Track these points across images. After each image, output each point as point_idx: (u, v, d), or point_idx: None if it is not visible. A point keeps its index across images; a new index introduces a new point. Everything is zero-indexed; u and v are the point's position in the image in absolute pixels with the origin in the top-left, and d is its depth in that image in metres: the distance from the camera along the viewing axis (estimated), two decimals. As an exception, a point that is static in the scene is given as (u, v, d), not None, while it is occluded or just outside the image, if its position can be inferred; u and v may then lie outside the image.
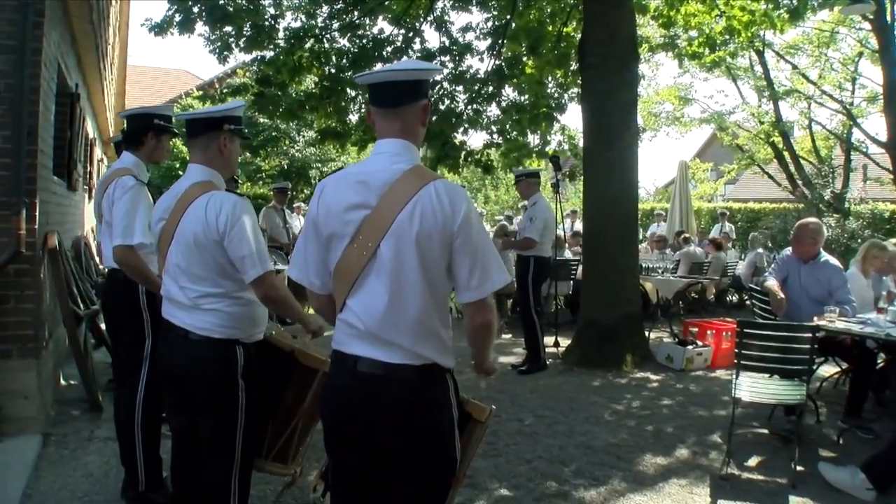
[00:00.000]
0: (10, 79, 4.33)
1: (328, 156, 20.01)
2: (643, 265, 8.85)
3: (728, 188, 30.46)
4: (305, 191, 18.81)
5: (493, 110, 9.35)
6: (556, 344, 7.55)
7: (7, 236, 4.30)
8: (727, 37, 8.93)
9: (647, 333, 7.59)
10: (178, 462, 2.86)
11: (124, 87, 15.50)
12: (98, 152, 11.39)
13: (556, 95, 9.40)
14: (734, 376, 4.40)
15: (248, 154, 19.99)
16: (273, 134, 19.29)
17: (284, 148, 19.75)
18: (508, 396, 5.84)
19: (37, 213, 4.50)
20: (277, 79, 8.13)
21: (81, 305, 5.16)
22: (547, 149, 9.92)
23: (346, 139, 9.15)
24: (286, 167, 19.65)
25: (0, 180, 4.33)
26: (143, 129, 3.58)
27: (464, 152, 9.30)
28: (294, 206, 13.62)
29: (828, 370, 6.09)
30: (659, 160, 78.27)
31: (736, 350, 4.37)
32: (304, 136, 19.52)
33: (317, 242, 2.05)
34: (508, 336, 8.61)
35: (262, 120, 18.70)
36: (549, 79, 9.08)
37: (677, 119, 22.23)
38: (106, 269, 3.76)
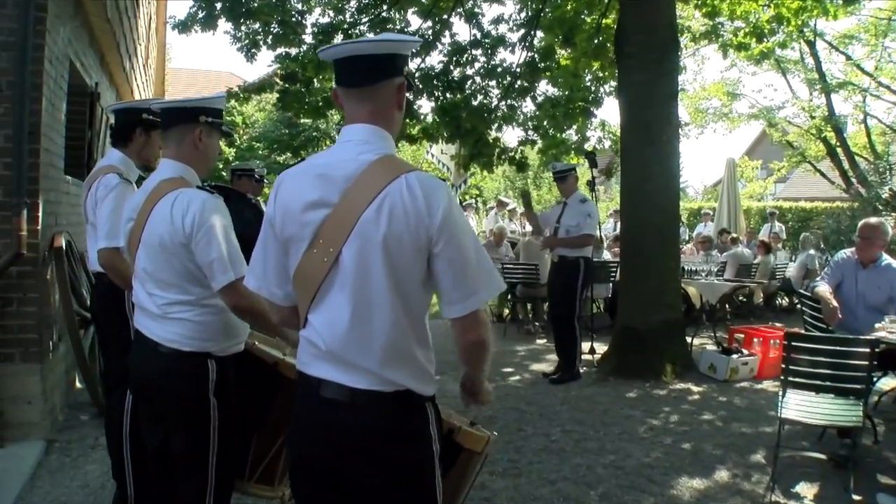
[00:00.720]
0: (11, 76, 4.20)
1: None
2: (687, 268, 8.38)
3: (778, 187, 29.36)
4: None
5: (528, 105, 8.98)
6: (592, 351, 7.16)
7: (8, 237, 4.17)
8: (776, 26, 8.37)
9: (689, 341, 7.14)
10: (155, 483, 2.62)
11: (163, 88, 15.60)
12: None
13: (593, 89, 8.97)
14: (780, 394, 3.97)
15: (289, 154, 19.97)
16: (314, 134, 19.23)
17: (325, 148, 19.72)
18: (537, 408, 5.50)
19: (39, 214, 4.37)
20: (303, 76, 7.93)
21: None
22: (586, 145, 9.52)
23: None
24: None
25: (1, 180, 4.20)
26: (132, 125, 3.36)
27: (497, 149, 8.95)
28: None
29: (888, 383, 5.55)
30: (707, 158, 76.40)
31: (783, 365, 3.94)
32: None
33: (276, 247, 1.76)
34: (543, 341, 8.26)
35: (302, 120, 18.70)
36: (586, 71, 8.64)
37: (725, 115, 21.43)
38: (93, 274, 3.55)
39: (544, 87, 9.03)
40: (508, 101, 8.72)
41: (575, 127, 9.14)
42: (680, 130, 7.30)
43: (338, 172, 1.67)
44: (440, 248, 1.62)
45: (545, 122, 8.87)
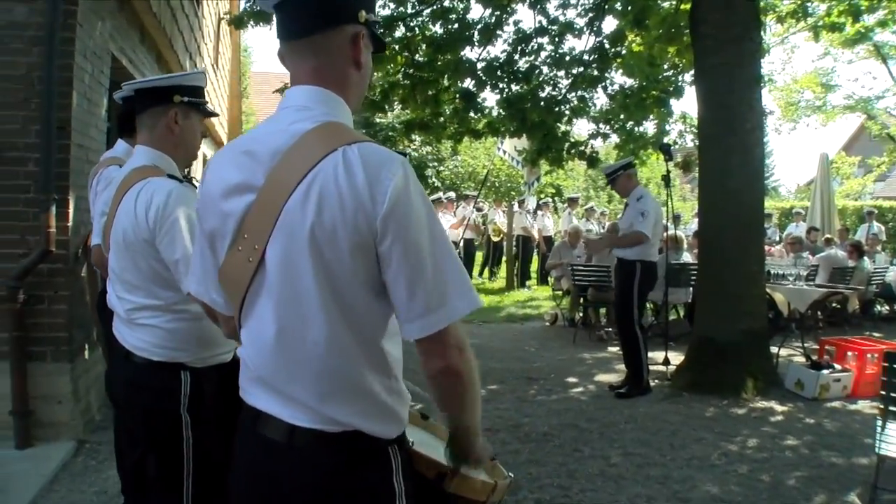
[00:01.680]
0: (41, 71, 4.08)
1: (444, 154, 19.69)
2: (773, 271, 7.63)
3: (878, 185, 27.28)
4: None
5: (599, 97, 8.43)
6: (666, 362, 6.56)
7: (38, 235, 4.06)
8: (874, 2, 7.49)
9: (773, 353, 6.44)
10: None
11: (238, 88, 15.80)
12: (208, 152, 11.43)
13: (671, 78, 8.29)
14: (880, 425, 3.35)
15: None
16: (390, 134, 19.19)
17: (401, 148, 19.65)
18: (598, 426, 5.00)
19: (70, 211, 4.23)
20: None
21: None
22: (665, 139, 8.86)
23: (435, 131, 8.55)
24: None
25: (30, 176, 4.09)
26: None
27: (567, 143, 8.43)
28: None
29: None
30: (801, 155, 72.44)
31: (882, 392, 3.31)
32: (420, 135, 19.39)
33: (204, 244, 1.41)
34: (616, 349, 7.70)
35: (378, 120, 18.66)
36: (662, 58, 7.97)
37: (819, 108, 20.02)
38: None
39: (617, 77, 8.43)
40: (579, 92, 8.18)
41: (653, 120, 8.50)
42: (766, 119, 6.56)
43: (264, 148, 1.30)
44: (387, 245, 1.22)
45: (620, 115, 8.27)
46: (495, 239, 13.66)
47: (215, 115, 2.58)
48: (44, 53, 4.07)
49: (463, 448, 1.47)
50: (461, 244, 11.52)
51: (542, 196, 15.71)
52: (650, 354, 6.40)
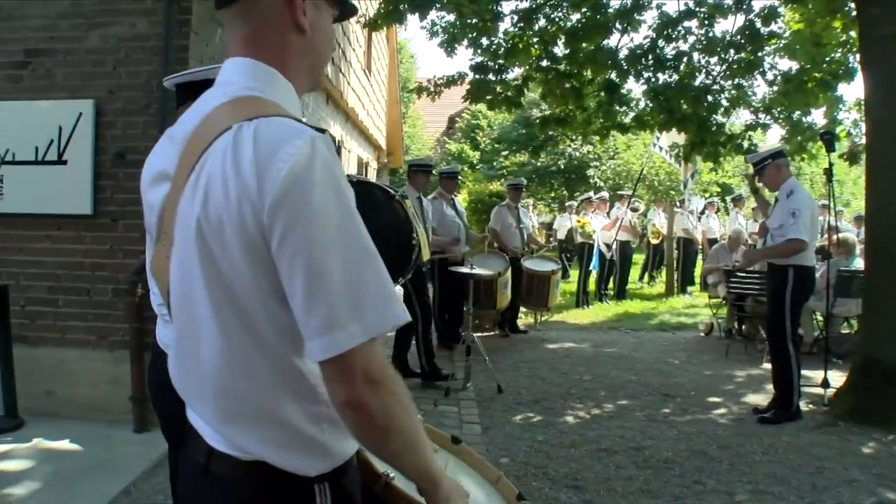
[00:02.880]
0: (159, 79, 4.36)
1: (608, 153, 19.02)
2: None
3: None
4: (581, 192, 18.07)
5: (760, 84, 7.55)
6: (825, 384, 5.68)
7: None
8: None
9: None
10: None
11: (397, 94, 16.30)
12: (348, 154, 11.81)
13: (839, 59, 7.18)
14: None
15: (528, 154, 19.84)
16: (551, 133, 18.95)
17: (561, 148, 19.27)
18: (730, 455, 4.43)
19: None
20: (495, 65, 7.48)
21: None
22: (837, 129, 7.76)
23: (579, 127, 8.14)
24: (562, 167, 19.12)
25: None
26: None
27: (723, 136, 7.66)
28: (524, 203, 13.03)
29: None
30: None
31: None
32: (563, 130, 18.94)
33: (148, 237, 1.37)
34: (768, 367, 6.85)
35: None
36: (828, 37, 6.91)
37: None
38: None
39: (774, 60, 7.47)
40: (736, 80, 7.38)
41: (821, 107, 7.45)
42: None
43: (181, 131, 1.17)
44: (277, 244, 1.01)
45: (783, 103, 7.33)
46: (654, 241, 12.85)
47: None
48: (161, 62, 4.34)
49: (429, 494, 1.20)
50: (614, 246, 10.92)
51: (708, 195, 14.54)
52: (808, 373, 5.63)
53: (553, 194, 20.31)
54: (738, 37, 6.89)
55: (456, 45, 7.76)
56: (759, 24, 6.71)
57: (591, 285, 11.28)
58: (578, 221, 11.22)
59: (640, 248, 13.56)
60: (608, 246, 10.84)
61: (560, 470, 4.19)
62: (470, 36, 7.67)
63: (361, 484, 1.32)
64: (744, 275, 7.33)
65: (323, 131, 1.07)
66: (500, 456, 4.44)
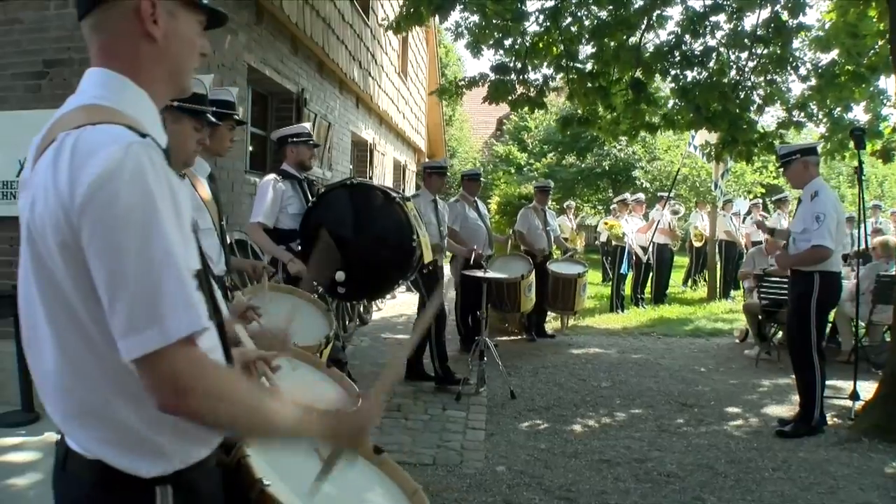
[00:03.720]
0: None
1: (648, 154, 18.62)
2: None
3: None
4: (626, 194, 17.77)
5: (793, 80, 7.19)
6: (854, 396, 5.39)
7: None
8: None
9: None
10: None
11: (436, 97, 16.30)
12: (382, 157, 11.89)
13: (878, 51, 6.75)
14: None
15: (574, 156, 19.56)
16: (595, 134, 18.71)
17: (606, 149, 18.95)
18: (738, 470, 4.24)
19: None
20: (516, 66, 7.38)
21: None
22: (882, 126, 7.37)
23: (597, 126, 7.95)
24: (607, 168, 18.80)
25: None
26: None
27: (756, 134, 7.36)
28: (566, 205, 12.78)
29: None
30: None
31: None
32: (589, 130, 18.64)
33: None
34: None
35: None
36: (866, 27, 6.48)
37: None
38: None
39: (811, 55, 7.11)
40: (768, 76, 7.07)
41: (859, 103, 7.05)
42: None
43: (37, 138, 1.21)
44: (86, 244, 1.06)
45: (817, 99, 6.98)
46: (697, 244, 12.48)
47: (203, 115, 2.55)
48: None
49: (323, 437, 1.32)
50: (651, 249, 10.65)
51: (753, 196, 14.01)
52: (840, 384, 5.35)
53: (599, 196, 19.98)
54: (765, 30, 6.58)
55: (482, 46, 7.71)
56: (785, 16, 6.39)
57: (628, 289, 11.03)
58: (606, 224, 10.98)
59: (683, 251, 13.18)
60: (644, 249, 10.57)
61: (556, 481, 4.09)
62: (496, 36, 7.59)
63: (243, 489, 1.37)
64: (776, 280, 7.02)
65: (144, 136, 1.11)
66: (498, 464, 4.37)
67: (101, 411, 1.15)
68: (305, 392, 2.42)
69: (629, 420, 5.29)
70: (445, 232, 6.47)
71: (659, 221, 10.59)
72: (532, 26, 7.61)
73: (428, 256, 4.76)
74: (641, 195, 11.85)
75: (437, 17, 7.01)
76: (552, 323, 9.14)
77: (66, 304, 1.11)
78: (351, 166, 10.31)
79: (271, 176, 4.69)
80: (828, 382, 6.10)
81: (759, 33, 6.63)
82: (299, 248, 4.57)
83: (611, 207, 12.80)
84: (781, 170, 5.22)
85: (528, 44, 7.24)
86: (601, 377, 6.61)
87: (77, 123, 1.11)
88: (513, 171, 22.60)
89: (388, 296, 9.01)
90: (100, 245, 1.04)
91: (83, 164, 1.06)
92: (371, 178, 10.74)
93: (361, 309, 9.26)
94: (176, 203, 1.12)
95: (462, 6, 7.16)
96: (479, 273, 6.00)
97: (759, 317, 7.01)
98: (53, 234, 1.08)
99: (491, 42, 7.58)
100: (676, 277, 13.67)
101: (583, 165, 18.63)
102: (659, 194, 12.35)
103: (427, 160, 16.91)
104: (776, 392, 6.06)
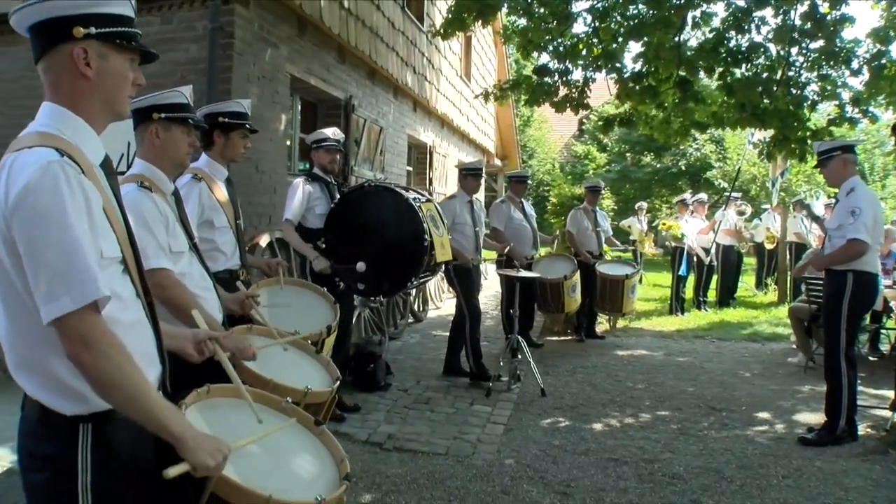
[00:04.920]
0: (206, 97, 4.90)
1: (724, 153, 18.02)
2: None
3: None
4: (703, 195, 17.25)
5: (848, 75, 6.87)
6: (894, 406, 5.19)
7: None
8: None
9: None
10: None
11: (508, 100, 16.40)
12: (444, 158, 12.06)
13: None
14: None
15: (651, 154, 19.13)
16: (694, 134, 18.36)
17: (682, 148, 18.48)
18: (745, 476, 4.19)
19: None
20: (558, 67, 7.44)
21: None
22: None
23: (647, 126, 7.86)
24: (683, 168, 18.34)
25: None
26: (210, 129, 3.60)
27: (809, 132, 7.11)
28: (637, 206, 12.54)
29: None
30: None
31: None
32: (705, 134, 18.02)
33: None
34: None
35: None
36: None
37: None
38: None
39: (865, 46, 6.75)
40: (820, 71, 6.82)
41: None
42: None
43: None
44: (17, 237, 1.43)
45: (870, 93, 6.65)
46: (769, 246, 12.03)
47: (197, 124, 2.84)
48: (207, 82, 4.88)
49: (174, 445, 1.52)
50: (714, 250, 10.39)
51: (830, 196, 13.28)
52: (886, 393, 5.15)
53: (677, 196, 19.50)
54: (805, 23, 6.34)
55: (531, 49, 7.81)
56: (824, 8, 6.12)
57: (689, 292, 10.81)
58: (664, 224, 10.78)
59: (749, 252, 12.70)
60: (706, 250, 10.33)
61: (559, 476, 4.19)
62: (547, 38, 7.67)
63: None
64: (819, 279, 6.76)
65: (63, 155, 1.46)
66: (508, 457, 4.50)
67: (37, 363, 1.51)
68: (288, 370, 2.68)
69: (651, 421, 5.30)
70: (482, 232, 6.61)
71: (721, 222, 10.31)
72: (578, 27, 7.66)
73: (442, 256, 4.95)
74: (704, 195, 11.54)
75: (479, 23, 7.14)
76: (604, 324, 9.12)
77: (10, 282, 1.47)
78: (410, 168, 10.62)
79: (301, 178, 5.02)
80: (873, 391, 5.92)
81: (798, 26, 6.40)
82: (323, 245, 4.88)
83: (635, 207, 12.52)
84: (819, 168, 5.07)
85: (567, 45, 7.27)
86: (637, 379, 6.60)
87: (25, 145, 1.49)
88: (591, 171, 22.38)
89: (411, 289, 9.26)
90: (25, 237, 1.41)
91: (14, 180, 1.43)
92: (430, 179, 11.01)
93: (417, 307, 9.55)
94: (88, 203, 1.47)
95: (507, 10, 7.28)
96: (512, 272, 6.13)
97: (806, 322, 6.77)
98: (1, 231, 1.44)
99: (542, 43, 7.67)
100: (749, 280, 13.22)
101: (658, 166, 18.22)
102: (726, 195, 11.98)
103: (497, 162, 17.04)
104: (813, 399, 5.86)
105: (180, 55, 5.12)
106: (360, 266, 4.63)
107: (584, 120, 27.15)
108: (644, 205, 13.63)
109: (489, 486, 4.04)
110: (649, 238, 12.73)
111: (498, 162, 16.93)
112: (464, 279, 6.32)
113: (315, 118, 7.21)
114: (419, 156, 10.93)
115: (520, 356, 6.11)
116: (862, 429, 4.98)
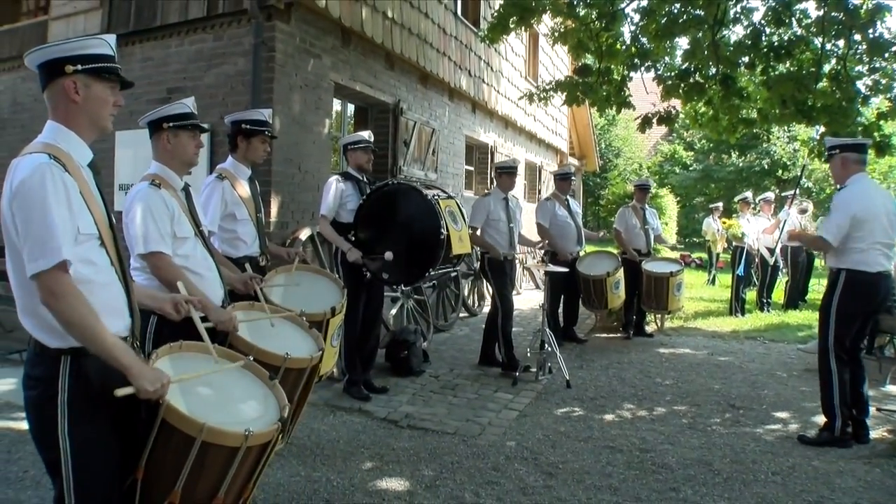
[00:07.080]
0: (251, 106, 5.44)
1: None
2: None
3: None
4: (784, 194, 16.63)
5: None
6: (913, 411, 5.09)
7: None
8: None
9: None
10: None
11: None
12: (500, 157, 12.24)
13: None
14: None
15: (736, 153, 18.52)
16: (755, 130, 17.75)
17: (765, 146, 17.87)
18: (733, 469, 4.26)
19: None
20: (598, 67, 7.57)
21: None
22: None
23: (696, 123, 7.84)
24: (766, 167, 17.72)
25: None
26: (234, 134, 4.15)
27: (857, 128, 6.92)
28: (712, 205, 12.29)
29: None
30: None
31: None
32: (787, 132, 17.32)
33: None
34: (886, 389, 6.18)
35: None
36: None
37: None
38: None
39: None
40: (870, 64, 6.63)
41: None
42: None
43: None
44: (15, 216, 1.97)
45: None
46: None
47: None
48: (251, 92, 5.45)
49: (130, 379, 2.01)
50: (779, 251, 10.13)
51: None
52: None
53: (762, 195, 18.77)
54: (840, 14, 6.17)
55: (584, 50, 7.97)
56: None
57: (752, 293, 10.58)
58: (724, 223, 10.57)
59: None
60: (770, 251, 10.09)
61: (551, 458, 4.41)
62: (589, 40, 7.81)
63: None
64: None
65: (51, 158, 2.02)
66: (510, 439, 4.78)
67: (32, 308, 2.04)
68: (276, 341, 3.14)
69: (664, 415, 5.40)
70: (517, 228, 6.87)
71: (785, 221, 10.05)
72: (629, 27, 7.76)
73: (460, 248, 5.31)
74: (770, 194, 11.22)
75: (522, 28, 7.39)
76: (653, 324, 9.14)
77: (16, 249, 2.01)
78: (470, 167, 10.95)
79: (335, 176, 5.50)
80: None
81: (832, 17, 6.26)
82: (353, 238, 5.34)
83: (710, 207, 12.17)
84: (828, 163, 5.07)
85: (607, 45, 7.40)
86: (668, 375, 6.67)
87: (28, 151, 2.05)
88: (678, 169, 21.93)
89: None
90: (20, 217, 1.96)
91: (16, 176, 1.99)
92: (492, 179, 11.31)
93: (472, 302, 9.91)
94: (67, 193, 1.99)
95: (550, 13, 7.47)
96: (541, 267, 6.39)
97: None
98: (6, 213, 2.00)
99: (591, 45, 7.83)
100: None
101: (741, 164, 17.64)
102: (783, 194, 11.57)
103: (574, 161, 17.06)
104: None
105: (230, 68, 5.73)
106: (388, 255, 5.06)
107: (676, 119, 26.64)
108: (720, 205, 13.35)
109: (482, 463, 4.33)
110: (722, 238, 12.49)
111: (574, 161, 16.94)
112: (497, 274, 6.60)
113: (366, 122, 7.70)
114: (480, 155, 11.25)
115: (548, 347, 6.34)
116: (880, 432, 4.94)
